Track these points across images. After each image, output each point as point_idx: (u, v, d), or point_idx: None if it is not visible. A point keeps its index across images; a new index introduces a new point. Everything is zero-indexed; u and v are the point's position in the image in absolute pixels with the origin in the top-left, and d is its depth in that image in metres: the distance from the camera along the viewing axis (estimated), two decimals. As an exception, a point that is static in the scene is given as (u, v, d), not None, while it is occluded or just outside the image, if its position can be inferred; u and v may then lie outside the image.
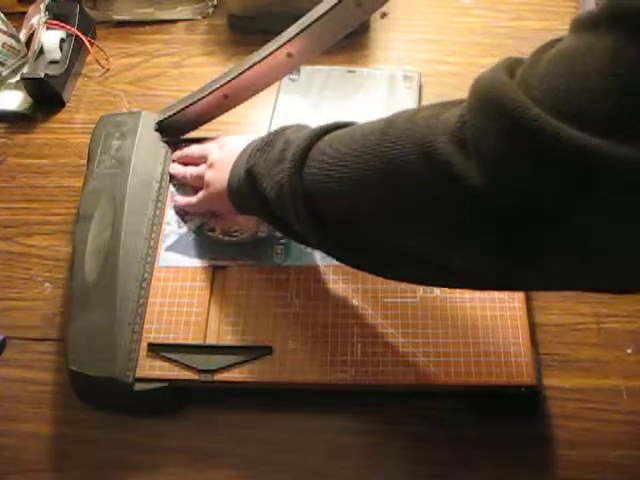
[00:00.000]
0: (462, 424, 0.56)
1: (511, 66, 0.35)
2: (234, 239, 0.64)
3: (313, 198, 0.45)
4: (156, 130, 0.70)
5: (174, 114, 0.69)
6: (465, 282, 0.44)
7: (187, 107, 0.68)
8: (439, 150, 0.36)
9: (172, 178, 0.68)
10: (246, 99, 0.67)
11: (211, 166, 0.62)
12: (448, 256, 0.39)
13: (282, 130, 0.53)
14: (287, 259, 0.62)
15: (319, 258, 0.62)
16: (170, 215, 0.66)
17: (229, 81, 0.64)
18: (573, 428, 0.56)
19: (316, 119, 0.75)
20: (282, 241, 0.63)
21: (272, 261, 0.62)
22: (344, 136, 0.45)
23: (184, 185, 0.68)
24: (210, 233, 0.64)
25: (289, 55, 0.61)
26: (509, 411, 0.57)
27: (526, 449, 0.55)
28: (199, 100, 0.67)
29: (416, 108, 0.42)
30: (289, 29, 0.61)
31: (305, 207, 0.45)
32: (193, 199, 0.65)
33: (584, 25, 0.32)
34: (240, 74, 0.64)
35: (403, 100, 0.77)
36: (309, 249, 0.62)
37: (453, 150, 0.35)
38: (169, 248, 0.64)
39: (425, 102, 0.77)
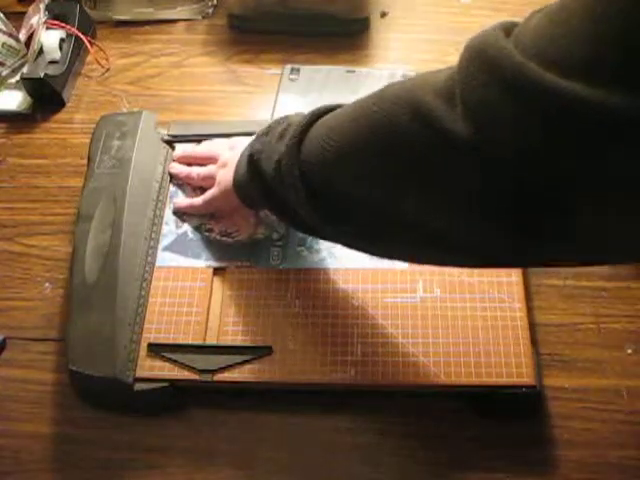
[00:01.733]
0: (462, 424, 0.56)
1: (507, 26, 0.35)
2: (231, 240, 0.64)
3: (311, 171, 0.45)
4: (163, 140, 0.71)
5: (188, 135, 0.71)
6: (455, 252, 0.42)
7: (203, 137, 0.70)
8: (427, 105, 0.36)
9: (173, 177, 0.68)
10: None
11: (224, 165, 0.62)
12: (439, 217, 0.39)
13: (284, 117, 0.53)
14: (283, 261, 0.62)
15: (315, 261, 0.62)
16: (168, 215, 0.66)
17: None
18: (573, 428, 0.56)
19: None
20: (279, 243, 0.63)
21: (269, 263, 0.62)
22: (340, 111, 0.46)
23: (186, 185, 0.68)
24: (207, 234, 0.64)
25: None
26: (509, 411, 0.57)
27: (526, 449, 0.55)
28: (217, 136, 0.69)
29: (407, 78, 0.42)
30: None
31: (302, 181, 0.46)
32: (197, 200, 0.65)
33: None
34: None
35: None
36: (306, 252, 0.62)
37: (440, 104, 0.35)
38: (166, 248, 0.64)
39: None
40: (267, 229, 0.64)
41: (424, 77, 0.39)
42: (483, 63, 0.33)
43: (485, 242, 0.38)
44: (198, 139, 0.70)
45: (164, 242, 0.64)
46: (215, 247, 0.64)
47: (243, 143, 0.59)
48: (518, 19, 0.36)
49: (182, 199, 0.67)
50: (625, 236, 0.34)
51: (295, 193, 0.47)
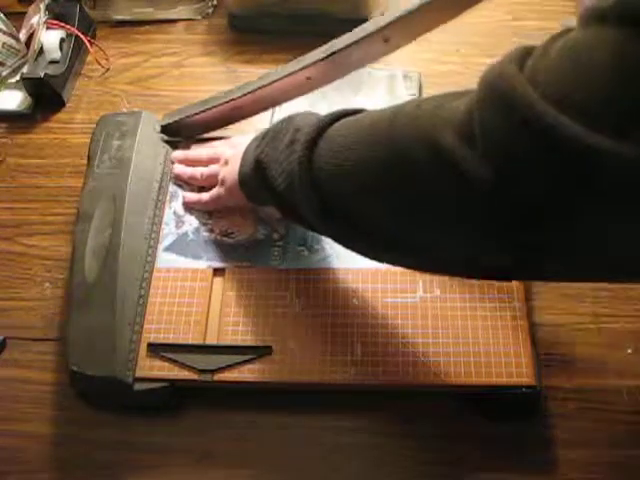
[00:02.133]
0: (462, 424, 0.56)
1: (521, 57, 0.35)
2: (231, 240, 0.64)
3: (322, 186, 0.45)
4: (161, 132, 0.70)
5: (182, 119, 0.69)
6: (464, 273, 0.44)
7: (196, 114, 0.68)
8: (445, 142, 0.36)
9: (176, 178, 0.68)
10: (256, 113, 0.68)
11: (226, 163, 0.62)
12: (452, 247, 0.40)
13: (290, 118, 0.53)
14: (284, 262, 0.62)
15: (315, 261, 0.62)
16: (168, 215, 0.66)
17: (244, 95, 0.64)
18: (573, 428, 0.56)
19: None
20: (279, 243, 0.63)
21: (269, 263, 0.62)
22: (353, 124, 0.45)
23: (189, 185, 0.68)
24: (208, 234, 0.64)
25: (308, 79, 0.61)
26: (509, 411, 0.57)
27: (526, 449, 0.55)
28: (209, 109, 0.67)
29: (422, 98, 0.42)
30: (313, 52, 0.60)
31: (314, 194, 0.46)
32: (205, 196, 0.65)
33: (593, 18, 0.32)
34: (256, 89, 0.64)
35: (403, 100, 0.76)
36: (306, 251, 0.62)
37: (459, 143, 0.35)
38: (167, 249, 0.64)
39: (425, 102, 0.77)
40: (267, 229, 0.64)
41: (442, 107, 0.39)
42: (501, 105, 0.33)
43: (495, 267, 0.40)
44: (194, 138, 0.70)
45: (165, 242, 0.64)
46: (215, 247, 0.64)
47: (244, 141, 0.59)
48: (532, 42, 0.35)
49: (191, 193, 0.67)
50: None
51: (306, 201, 0.47)
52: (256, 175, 0.54)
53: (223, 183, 0.62)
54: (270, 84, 0.63)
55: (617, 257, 0.35)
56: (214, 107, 0.67)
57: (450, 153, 0.35)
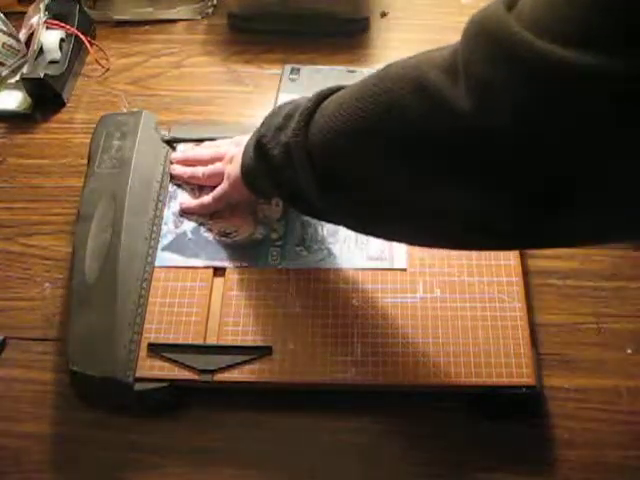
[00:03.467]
0: (462, 424, 0.56)
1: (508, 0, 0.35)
2: (230, 240, 0.64)
3: (318, 152, 0.45)
4: (163, 139, 0.71)
5: (188, 139, 0.71)
6: (451, 227, 0.42)
7: (203, 140, 0.70)
8: (430, 80, 0.36)
9: (175, 178, 0.68)
10: None
11: (231, 161, 0.62)
12: (438, 190, 0.39)
13: (291, 100, 0.53)
14: (282, 261, 0.62)
15: (314, 261, 0.62)
16: (167, 215, 0.66)
17: None
18: (573, 428, 0.56)
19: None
20: (278, 243, 0.63)
21: (268, 263, 0.62)
22: (344, 91, 0.46)
23: (184, 185, 0.68)
24: (206, 234, 0.64)
25: None
26: (509, 411, 0.57)
27: (526, 449, 0.55)
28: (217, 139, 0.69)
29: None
30: None
31: (310, 162, 0.46)
32: (207, 198, 0.65)
33: None
34: None
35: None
36: (304, 252, 0.62)
37: (444, 78, 0.36)
38: (165, 248, 0.64)
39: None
40: (266, 229, 0.64)
41: (429, 54, 0.39)
42: (482, 36, 0.34)
43: (485, 214, 0.38)
44: (200, 141, 0.71)
45: (163, 241, 0.64)
46: (214, 247, 0.64)
47: (246, 139, 0.59)
48: None
49: (189, 200, 0.67)
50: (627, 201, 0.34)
51: (303, 173, 0.47)
52: (256, 157, 0.53)
53: (228, 179, 0.62)
54: None
55: (618, 197, 0.34)
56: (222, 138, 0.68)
57: (436, 89, 0.36)
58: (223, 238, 0.64)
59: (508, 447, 0.55)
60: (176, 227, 0.65)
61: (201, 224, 0.65)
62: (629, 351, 0.59)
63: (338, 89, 0.48)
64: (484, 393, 0.55)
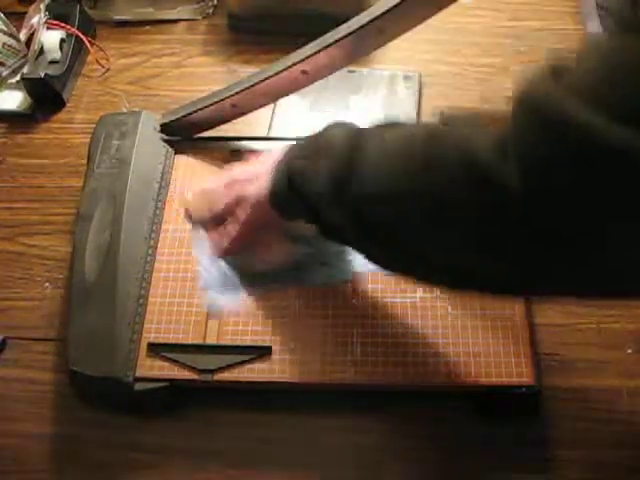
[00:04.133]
0: (462, 424, 0.56)
1: (555, 69, 0.35)
2: (270, 267, 0.61)
3: (358, 198, 0.45)
4: (160, 131, 0.70)
5: (180, 118, 0.69)
6: (493, 289, 0.45)
7: (193, 112, 0.68)
8: (480, 156, 0.36)
9: (194, 224, 0.64)
10: (254, 110, 0.67)
11: (250, 182, 0.58)
12: (479, 261, 0.40)
13: (323, 130, 0.51)
14: (330, 277, 0.60)
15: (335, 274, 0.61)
16: (168, 214, 0.65)
17: (240, 91, 0.64)
18: (573, 428, 0.56)
19: (316, 119, 0.76)
20: (323, 261, 0.62)
21: (313, 282, 0.60)
22: (390, 145, 0.45)
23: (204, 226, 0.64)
24: (242, 265, 0.62)
25: (304, 72, 0.61)
26: (509, 411, 0.57)
27: (526, 449, 0.55)
28: (206, 107, 0.67)
29: (455, 114, 0.44)
30: (307, 46, 0.60)
31: (350, 205, 0.46)
32: (232, 235, 0.61)
33: (627, 27, 0.32)
34: (251, 86, 0.63)
35: (403, 100, 0.77)
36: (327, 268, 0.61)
37: (493, 155, 0.36)
38: (208, 287, 0.61)
39: (425, 102, 0.77)
40: (305, 247, 0.62)
41: (478, 127, 0.40)
42: (534, 115, 0.34)
43: (510, 278, 0.41)
44: (193, 136, 0.70)
45: (204, 282, 0.61)
46: (255, 276, 0.61)
47: (261, 159, 0.58)
48: (565, 59, 0.36)
49: (217, 248, 0.63)
50: None
51: (340, 215, 0.47)
52: (290, 194, 0.52)
53: (250, 201, 0.58)
54: (266, 79, 0.62)
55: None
56: (211, 105, 0.67)
57: (484, 163, 0.36)
58: (261, 265, 0.61)
59: (508, 447, 0.55)
60: (211, 267, 0.62)
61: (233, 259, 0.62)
62: (629, 351, 0.59)
63: (378, 127, 0.48)
64: (484, 393, 0.55)
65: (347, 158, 0.46)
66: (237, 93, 0.64)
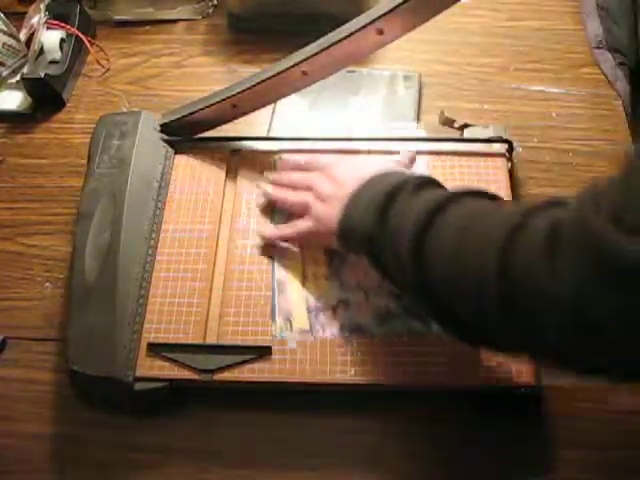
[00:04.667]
0: (462, 424, 0.56)
1: (593, 199, 0.36)
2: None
3: (426, 271, 0.47)
4: (160, 131, 0.70)
5: (180, 118, 0.69)
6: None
7: (194, 113, 0.68)
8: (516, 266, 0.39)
9: (274, 203, 0.65)
10: (254, 110, 0.67)
11: (322, 200, 0.59)
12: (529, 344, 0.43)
13: (394, 195, 0.51)
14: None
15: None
16: (168, 213, 0.65)
17: (240, 92, 0.64)
18: (573, 428, 0.56)
19: (316, 119, 0.75)
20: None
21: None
22: (461, 224, 0.46)
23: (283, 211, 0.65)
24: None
25: (304, 73, 0.61)
26: (509, 411, 0.57)
27: (526, 449, 0.55)
28: (207, 107, 0.67)
29: (495, 207, 0.48)
30: (308, 47, 0.60)
31: (419, 275, 0.47)
32: (288, 231, 0.62)
33: None
34: (252, 86, 0.63)
35: (403, 100, 0.77)
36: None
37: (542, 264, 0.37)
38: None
39: (425, 102, 0.77)
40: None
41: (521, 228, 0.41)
42: (584, 251, 0.35)
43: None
44: (193, 137, 0.70)
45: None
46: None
47: (341, 174, 0.58)
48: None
49: (270, 229, 0.64)
50: None
51: (409, 285, 0.49)
52: (362, 244, 0.53)
53: (317, 221, 0.59)
54: (267, 80, 0.62)
55: None
56: (212, 105, 0.67)
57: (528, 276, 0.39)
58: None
59: (508, 447, 0.55)
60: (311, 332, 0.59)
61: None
62: (629, 351, 0.59)
63: (445, 203, 0.48)
64: (484, 393, 0.55)
65: (420, 229, 0.47)
66: (238, 93, 0.64)
